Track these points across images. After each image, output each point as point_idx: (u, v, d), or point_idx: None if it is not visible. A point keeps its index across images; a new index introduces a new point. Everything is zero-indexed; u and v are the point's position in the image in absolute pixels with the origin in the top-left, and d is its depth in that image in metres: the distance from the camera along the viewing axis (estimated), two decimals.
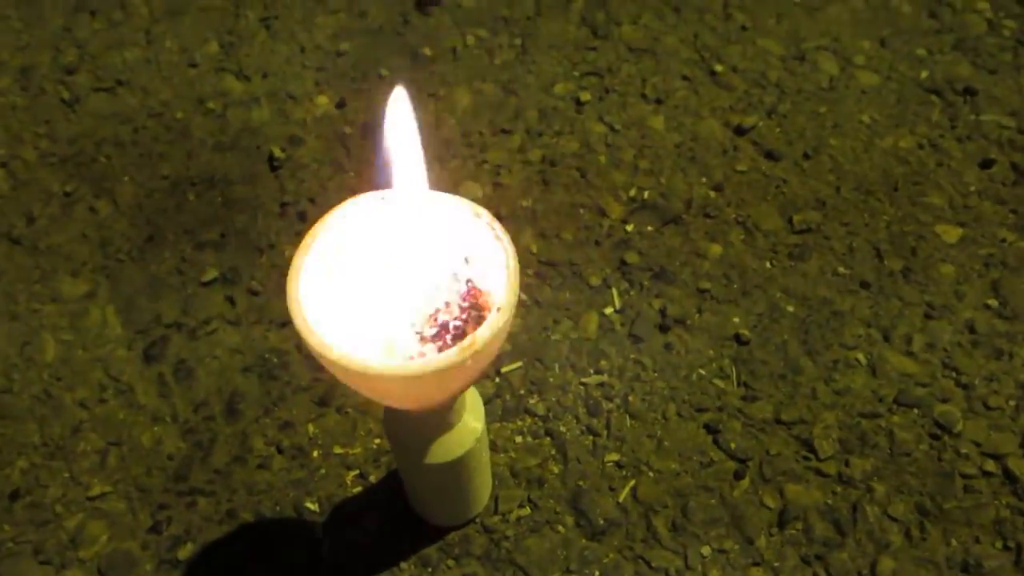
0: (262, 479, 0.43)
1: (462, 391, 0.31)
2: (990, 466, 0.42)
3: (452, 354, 0.26)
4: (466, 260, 0.31)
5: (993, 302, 0.47)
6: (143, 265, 0.50)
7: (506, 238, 0.29)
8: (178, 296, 0.49)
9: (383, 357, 0.29)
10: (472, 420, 0.36)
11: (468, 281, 0.30)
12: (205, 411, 0.45)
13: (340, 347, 0.26)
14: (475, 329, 0.28)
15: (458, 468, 0.36)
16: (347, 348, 0.26)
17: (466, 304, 0.30)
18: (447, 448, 0.35)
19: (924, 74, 0.56)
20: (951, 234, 0.50)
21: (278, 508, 0.42)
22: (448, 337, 0.30)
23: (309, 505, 0.42)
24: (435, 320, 0.30)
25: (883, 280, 0.48)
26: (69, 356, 0.47)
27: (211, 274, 0.49)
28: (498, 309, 0.27)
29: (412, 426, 0.34)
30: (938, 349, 0.46)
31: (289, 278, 0.28)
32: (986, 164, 0.52)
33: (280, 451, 0.44)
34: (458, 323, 0.30)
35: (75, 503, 0.43)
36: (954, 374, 0.45)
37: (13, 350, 0.47)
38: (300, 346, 0.47)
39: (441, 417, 0.34)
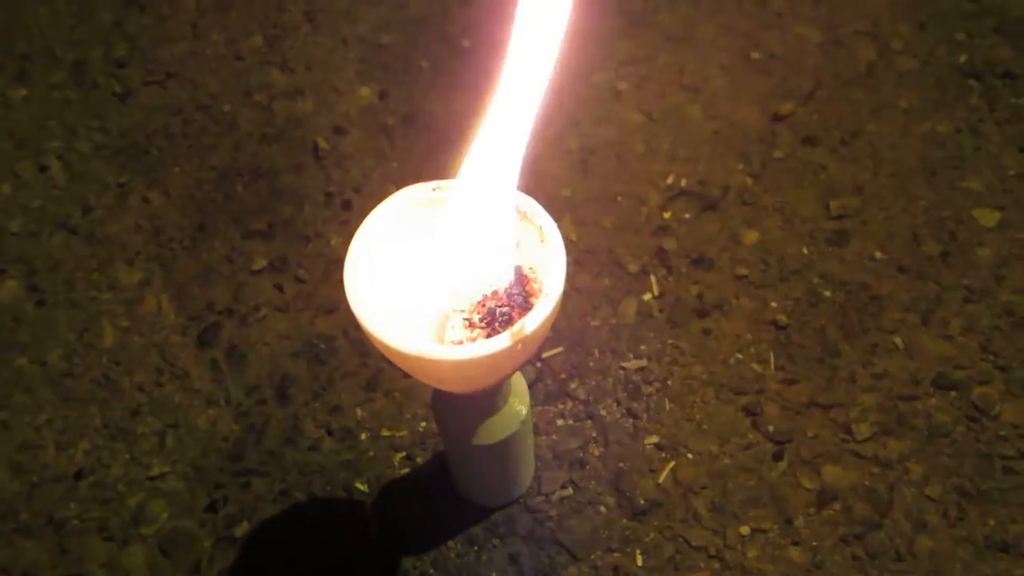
0: (313, 460, 0.45)
1: (510, 375, 0.32)
2: None
3: (503, 339, 0.27)
4: (514, 247, 0.32)
5: None
6: (195, 254, 0.52)
7: (553, 226, 0.30)
8: (229, 284, 0.50)
9: (433, 343, 0.30)
10: (517, 404, 0.37)
11: (517, 268, 0.31)
12: (257, 395, 0.47)
13: (395, 334, 0.28)
14: (521, 315, 0.29)
15: (503, 450, 0.37)
16: (401, 334, 0.28)
17: (514, 291, 0.31)
18: (493, 431, 0.36)
19: (963, 58, 0.56)
20: (989, 218, 0.50)
21: (329, 488, 0.44)
22: (496, 323, 0.31)
23: (359, 485, 0.44)
24: (483, 307, 0.31)
25: (921, 264, 0.49)
26: (126, 342, 0.49)
27: (260, 263, 0.51)
28: (546, 295, 0.28)
29: (460, 409, 0.36)
30: (976, 332, 0.47)
31: (345, 266, 0.29)
32: None
33: (330, 433, 0.45)
34: (505, 309, 0.31)
35: (136, 482, 0.45)
36: (992, 357, 0.46)
37: (73, 336, 0.49)
38: (347, 332, 0.48)
39: (488, 401, 0.35)
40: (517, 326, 0.27)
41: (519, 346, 0.28)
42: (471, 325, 0.31)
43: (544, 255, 0.30)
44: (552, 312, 0.28)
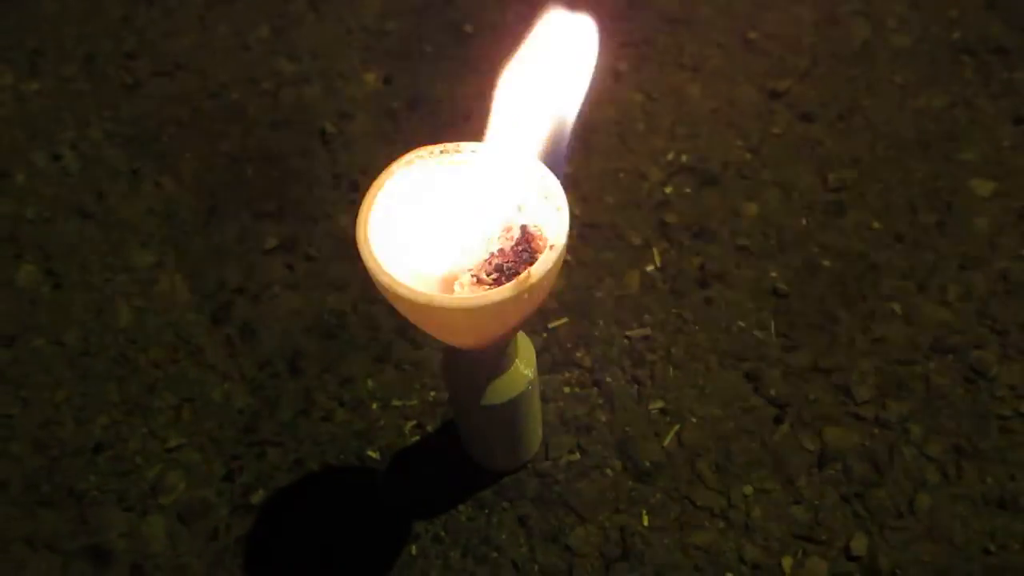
0: (326, 431, 0.46)
1: (518, 327, 0.34)
2: None
3: (510, 287, 0.28)
4: (519, 208, 0.33)
5: None
6: (207, 235, 0.53)
7: (557, 183, 0.31)
8: (241, 263, 0.52)
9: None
10: (523, 367, 0.38)
11: (522, 227, 0.32)
12: (270, 369, 0.48)
13: (409, 285, 0.29)
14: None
15: (511, 410, 0.38)
16: (414, 285, 0.29)
17: (520, 248, 0.32)
18: (501, 391, 0.37)
19: (956, 35, 0.58)
20: (984, 188, 0.51)
21: (342, 457, 0.45)
22: (503, 279, 0.32)
23: (371, 454, 0.45)
24: (490, 264, 0.32)
25: (918, 233, 0.50)
26: (142, 321, 0.50)
27: (271, 242, 0.52)
28: (551, 247, 0.29)
29: (468, 369, 0.37)
30: (973, 299, 0.48)
31: (357, 225, 0.31)
32: (1019, 120, 0.53)
33: (341, 404, 0.46)
34: (512, 265, 0.32)
35: (154, 455, 0.46)
36: (989, 322, 0.47)
37: (89, 317, 0.50)
38: (357, 307, 0.49)
39: (496, 359, 0.36)
40: (524, 275, 0.28)
41: (525, 295, 0.29)
42: (479, 282, 0.32)
43: (547, 212, 0.31)
44: (556, 263, 0.29)
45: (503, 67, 0.32)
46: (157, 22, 0.63)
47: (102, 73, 0.61)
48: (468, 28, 0.61)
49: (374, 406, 0.46)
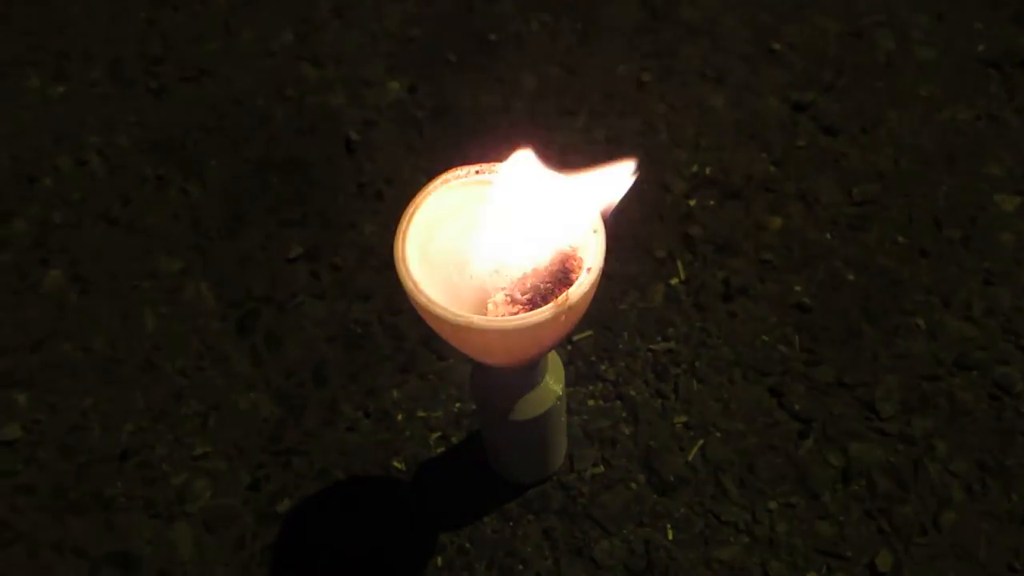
0: (351, 440, 0.46)
1: (553, 347, 0.34)
2: None
3: (549, 309, 0.28)
4: (555, 228, 0.33)
5: None
6: (232, 243, 0.53)
7: (593, 204, 0.31)
8: (266, 272, 0.52)
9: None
10: (553, 382, 0.38)
11: (558, 248, 0.32)
12: (295, 378, 0.48)
13: (447, 306, 0.29)
14: (562, 291, 0.31)
15: (539, 426, 0.39)
16: (451, 307, 0.29)
17: (555, 268, 0.32)
18: (531, 406, 0.38)
19: (981, 47, 0.57)
20: (1010, 203, 0.51)
21: (366, 467, 0.45)
22: (538, 299, 0.32)
23: (396, 464, 0.45)
24: (525, 284, 0.33)
25: (942, 248, 0.50)
26: (167, 328, 0.50)
27: (296, 251, 0.52)
28: (588, 269, 0.30)
29: (500, 384, 0.37)
30: (997, 314, 0.48)
31: (395, 245, 0.31)
32: None
33: (367, 415, 0.47)
34: (547, 286, 0.32)
35: (180, 462, 0.46)
36: (1013, 338, 0.47)
37: (116, 323, 0.51)
38: (382, 318, 0.50)
39: (527, 376, 0.36)
40: (562, 297, 0.29)
41: (563, 317, 0.29)
42: (513, 302, 0.32)
43: (583, 232, 0.31)
44: (593, 284, 0.29)
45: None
46: (182, 27, 0.64)
47: (128, 78, 0.61)
48: (492, 37, 0.61)
49: (399, 416, 0.47)
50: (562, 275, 0.32)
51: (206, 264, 0.52)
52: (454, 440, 0.46)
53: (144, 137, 0.58)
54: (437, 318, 0.29)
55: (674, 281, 0.50)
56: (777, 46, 0.59)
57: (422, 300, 0.29)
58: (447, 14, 0.62)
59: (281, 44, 0.62)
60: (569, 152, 0.55)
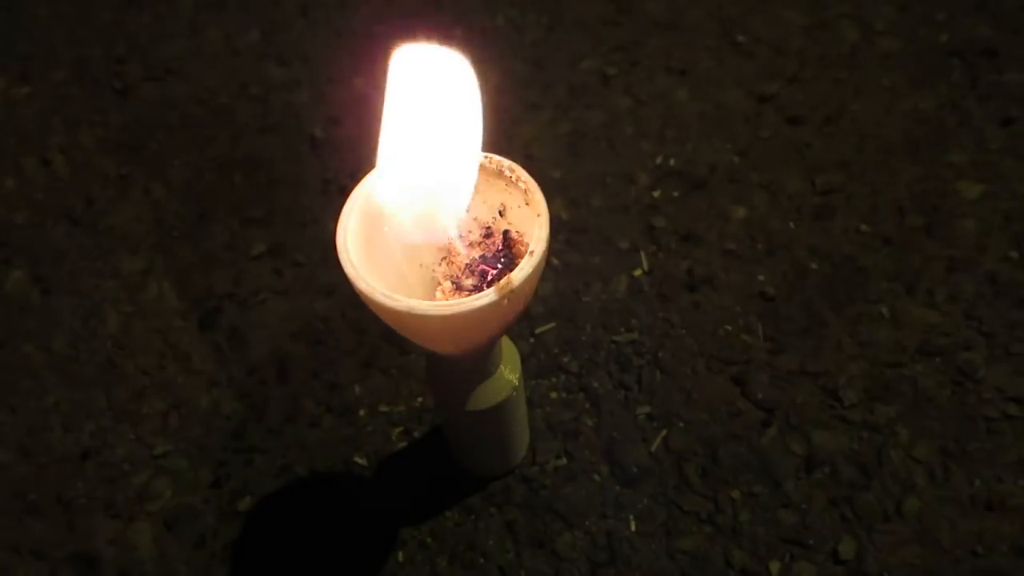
0: (313, 436, 0.46)
1: (501, 333, 0.34)
2: (1013, 409, 0.44)
3: (491, 293, 0.28)
4: (500, 213, 0.33)
5: (1015, 254, 0.49)
6: (195, 241, 0.53)
7: (536, 188, 0.31)
8: (229, 269, 0.52)
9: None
10: (508, 372, 0.38)
11: (504, 232, 0.32)
12: (258, 375, 0.48)
13: (387, 293, 0.29)
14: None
15: (497, 415, 0.38)
16: (393, 293, 0.29)
17: (501, 254, 0.32)
18: (486, 396, 0.37)
19: (944, 37, 0.58)
20: (972, 190, 0.51)
21: (329, 463, 0.45)
22: (484, 285, 0.32)
23: (358, 460, 0.45)
24: (471, 270, 0.32)
25: (906, 236, 0.50)
26: (130, 327, 0.50)
27: (259, 248, 0.52)
28: (531, 252, 0.29)
29: (453, 375, 0.37)
30: (960, 300, 0.47)
31: (337, 232, 0.31)
32: (1007, 122, 0.53)
33: (329, 410, 0.46)
34: (493, 272, 0.32)
35: (141, 461, 0.46)
36: (976, 324, 0.47)
37: (77, 323, 0.50)
38: (345, 313, 0.49)
39: (479, 365, 0.36)
40: (504, 280, 0.28)
41: (505, 301, 0.29)
42: (459, 289, 0.32)
43: (529, 218, 0.31)
44: (536, 268, 0.29)
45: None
46: (147, 27, 0.63)
47: (92, 78, 0.61)
48: (458, 32, 0.61)
49: (361, 412, 0.46)
50: (508, 261, 0.32)
51: (169, 263, 0.52)
52: (416, 435, 0.46)
53: (108, 137, 0.58)
54: (378, 305, 0.29)
55: (638, 272, 0.50)
56: (742, 39, 0.59)
57: (363, 287, 0.29)
58: (411, 11, 0.62)
59: (247, 43, 0.62)
60: (532, 146, 0.55)
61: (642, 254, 0.50)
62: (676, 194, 0.52)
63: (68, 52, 0.62)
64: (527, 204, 0.31)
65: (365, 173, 0.33)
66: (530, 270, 0.29)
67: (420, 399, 0.46)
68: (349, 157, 0.55)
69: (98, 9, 0.64)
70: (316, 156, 0.56)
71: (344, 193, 0.54)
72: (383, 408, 0.46)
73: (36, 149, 0.58)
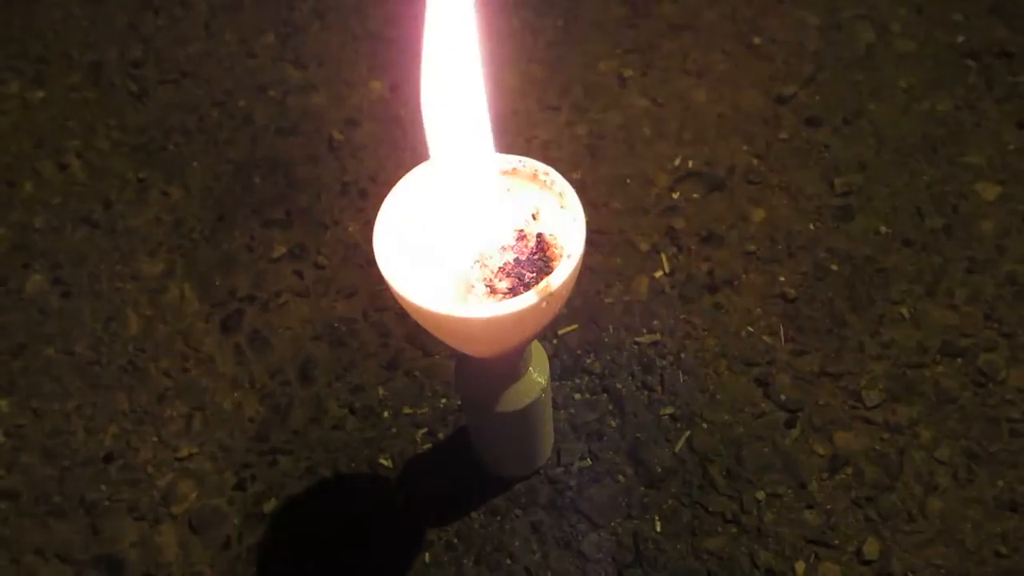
0: (337, 438, 0.46)
1: (535, 335, 0.34)
2: None
3: (530, 297, 0.28)
4: (533, 216, 0.33)
5: None
6: (215, 244, 0.53)
7: (572, 191, 0.31)
8: (249, 271, 0.52)
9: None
10: (537, 374, 0.38)
11: (537, 236, 0.32)
12: (281, 377, 0.48)
13: (428, 296, 0.29)
14: (543, 279, 0.31)
15: (524, 418, 0.39)
16: (432, 297, 0.29)
17: (536, 257, 0.32)
18: (515, 398, 0.38)
19: (960, 39, 0.58)
20: (991, 191, 0.51)
21: (353, 465, 0.45)
22: (520, 287, 0.32)
23: (383, 461, 0.45)
24: (505, 273, 0.33)
25: (925, 237, 0.50)
26: (151, 330, 0.50)
27: (279, 250, 0.52)
28: (568, 256, 0.29)
29: (483, 376, 0.37)
30: (980, 302, 0.48)
31: (374, 236, 0.31)
32: None
33: (352, 412, 0.46)
34: (529, 275, 0.32)
35: (165, 464, 0.46)
36: (996, 325, 0.47)
37: (99, 326, 0.50)
38: (367, 315, 0.49)
39: (510, 367, 0.36)
40: (543, 283, 0.28)
41: (544, 304, 0.29)
42: (494, 291, 0.32)
43: (563, 221, 0.31)
44: (574, 271, 0.29)
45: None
46: (163, 30, 0.64)
47: (108, 81, 0.61)
48: None
49: (385, 414, 0.46)
50: (543, 263, 0.32)
51: (189, 265, 0.52)
52: (440, 436, 0.46)
53: (124, 140, 0.58)
54: (419, 310, 0.29)
55: (659, 274, 0.50)
56: (758, 40, 0.59)
57: (402, 292, 0.29)
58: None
59: (263, 46, 0.62)
60: (551, 148, 0.55)
61: (663, 256, 0.50)
62: (695, 195, 0.53)
63: (83, 55, 0.63)
64: (561, 207, 0.32)
65: (385, 175, 0.33)
66: (568, 273, 0.29)
67: (444, 400, 0.46)
68: (368, 159, 0.55)
69: (113, 12, 0.65)
70: (335, 158, 0.56)
71: (364, 195, 0.54)
72: (407, 410, 0.46)
73: (52, 153, 0.58)
